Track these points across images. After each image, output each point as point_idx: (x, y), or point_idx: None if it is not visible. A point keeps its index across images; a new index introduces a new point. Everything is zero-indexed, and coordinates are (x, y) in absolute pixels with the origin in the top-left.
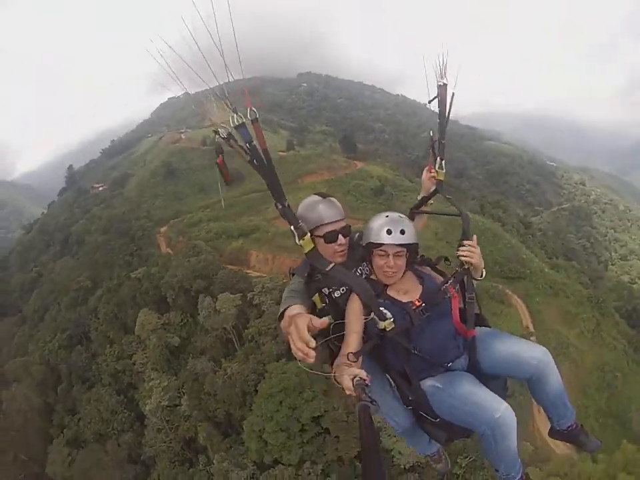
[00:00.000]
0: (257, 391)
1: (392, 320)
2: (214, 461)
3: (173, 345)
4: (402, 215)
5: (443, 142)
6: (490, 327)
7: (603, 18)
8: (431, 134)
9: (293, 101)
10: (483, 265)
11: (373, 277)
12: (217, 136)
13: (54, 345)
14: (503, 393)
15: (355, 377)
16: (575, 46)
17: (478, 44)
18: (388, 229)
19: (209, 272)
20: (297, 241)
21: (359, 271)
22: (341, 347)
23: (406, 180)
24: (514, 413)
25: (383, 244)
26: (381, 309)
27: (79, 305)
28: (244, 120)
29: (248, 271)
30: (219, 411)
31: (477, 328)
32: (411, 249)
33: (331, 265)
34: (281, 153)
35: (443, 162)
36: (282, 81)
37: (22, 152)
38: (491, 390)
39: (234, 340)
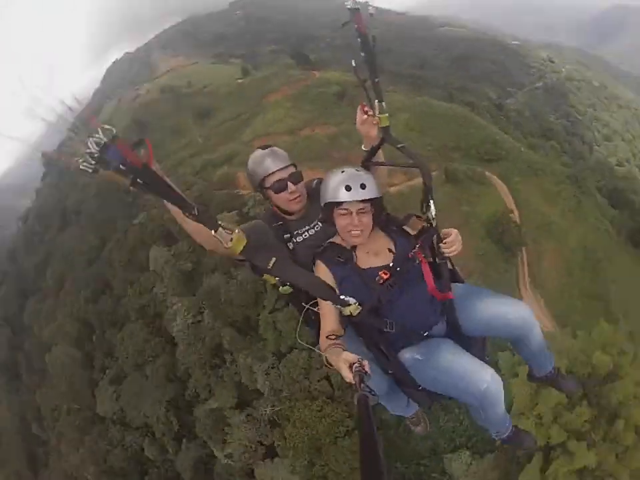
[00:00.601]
0: (266, 289)
1: (357, 304)
2: (240, 359)
3: (187, 270)
4: (359, 169)
5: (376, 80)
6: (463, 282)
7: None
8: (353, 64)
9: (234, 31)
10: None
11: (338, 240)
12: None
13: (80, 302)
14: (482, 354)
15: (353, 364)
16: None
17: None
18: (346, 185)
19: (204, 199)
20: (224, 244)
21: (317, 229)
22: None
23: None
24: (500, 379)
25: (344, 202)
26: (342, 296)
27: (94, 263)
28: (103, 140)
29: (240, 191)
30: (238, 315)
31: (453, 286)
32: (375, 203)
33: (273, 261)
34: (239, 81)
35: (383, 104)
36: (217, 14)
37: None
38: (472, 353)
39: None
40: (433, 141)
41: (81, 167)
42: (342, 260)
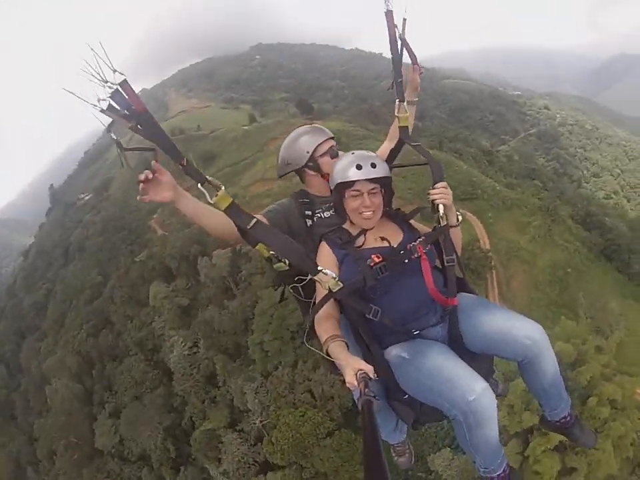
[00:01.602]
0: (254, 314)
1: (336, 279)
2: (231, 383)
3: (183, 305)
4: (369, 151)
5: (399, 81)
6: (474, 294)
7: None
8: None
9: (250, 75)
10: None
11: (347, 226)
12: (110, 130)
13: (82, 336)
14: (487, 375)
15: (358, 371)
16: None
17: None
18: (357, 164)
19: (202, 237)
20: (209, 199)
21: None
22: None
23: (361, 129)
24: (494, 397)
25: (355, 181)
26: (320, 268)
27: (96, 299)
28: (115, 86)
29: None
30: (229, 343)
31: (459, 295)
32: (385, 184)
33: (253, 221)
34: (244, 127)
35: (405, 104)
36: (236, 57)
37: None
38: (475, 368)
39: (231, 286)
40: (414, 185)
41: (93, 107)
42: (342, 242)
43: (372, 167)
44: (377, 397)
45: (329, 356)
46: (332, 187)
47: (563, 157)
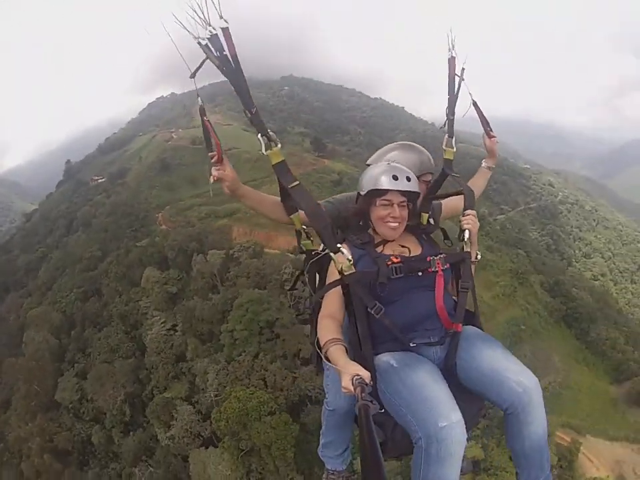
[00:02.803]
0: (232, 307)
1: (351, 263)
2: (197, 364)
3: (172, 292)
4: (402, 165)
5: (451, 118)
6: (480, 328)
7: (586, 31)
8: (471, 95)
9: (275, 104)
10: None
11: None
12: (199, 98)
13: (70, 298)
14: (473, 417)
15: (354, 377)
16: (558, 54)
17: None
18: (393, 174)
19: (201, 237)
20: (263, 150)
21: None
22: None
23: None
24: (465, 434)
25: (389, 190)
26: (339, 246)
27: (91, 271)
28: (216, 31)
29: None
30: (204, 329)
31: (465, 327)
32: (413, 200)
33: (296, 183)
34: (259, 152)
35: (453, 140)
36: (265, 83)
37: (5, 149)
38: (460, 407)
39: (218, 284)
40: None
41: (199, 41)
42: (362, 242)
43: (407, 180)
44: (373, 402)
45: (328, 359)
46: (362, 191)
47: (557, 233)
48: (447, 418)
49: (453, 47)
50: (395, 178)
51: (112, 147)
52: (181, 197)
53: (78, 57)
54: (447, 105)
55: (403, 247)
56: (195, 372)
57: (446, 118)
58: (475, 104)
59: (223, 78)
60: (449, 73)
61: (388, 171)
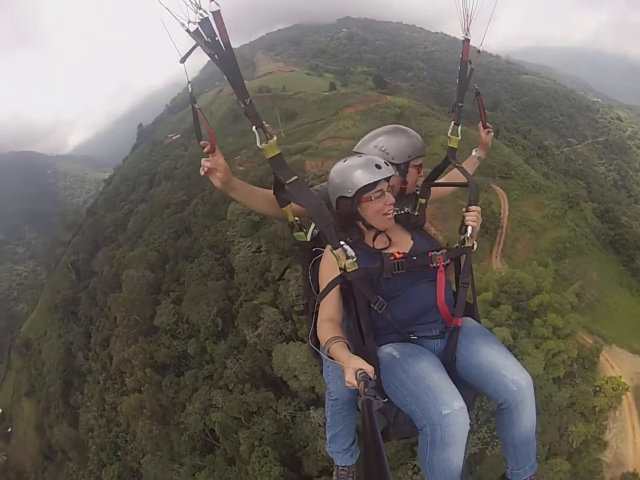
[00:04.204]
0: None
1: (355, 260)
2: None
3: (255, 221)
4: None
5: (460, 105)
6: (479, 322)
7: None
8: (476, 87)
9: (335, 46)
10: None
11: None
12: (190, 85)
13: (163, 238)
14: (469, 404)
15: (358, 370)
16: None
17: None
18: (376, 164)
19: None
20: (258, 143)
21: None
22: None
23: (425, 107)
24: (468, 420)
25: (378, 181)
26: (342, 243)
27: (179, 214)
28: (207, 14)
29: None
30: (285, 245)
31: (467, 319)
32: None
33: (294, 178)
34: (324, 93)
35: (459, 128)
36: (322, 27)
37: (73, 125)
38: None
39: None
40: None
41: (182, 26)
42: (352, 241)
43: (387, 165)
44: (377, 397)
45: (331, 357)
46: (349, 192)
47: (625, 169)
48: (450, 405)
49: (468, 29)
50: (378, 167)
51: (179, 107)
52: (254, 140)
53: (129, 24)
54: (457, 93)
55: (389, 238)
56: (279, 283)
57: (454, 105)
58: (478, 94)
59: (279, 26)
60: (462, 57)
61: (367, 163)
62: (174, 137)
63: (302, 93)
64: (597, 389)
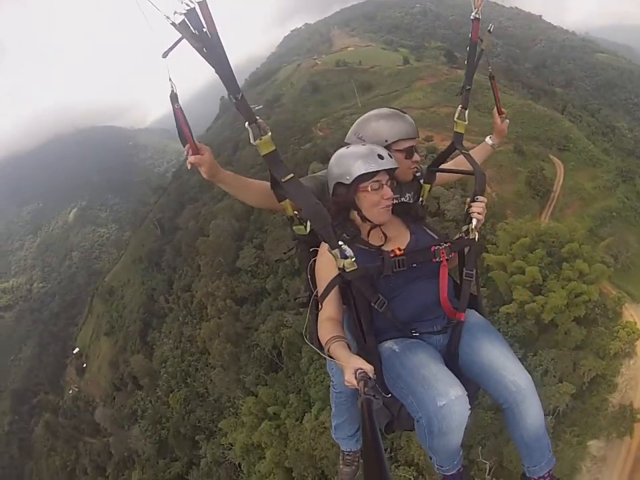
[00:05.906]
0: None
1: (353, 259)
2: None
3: None
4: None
5: (468, 89)
6: (483, 316)
7: None
8: (490, 70)
9: (409, 21)
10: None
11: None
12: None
13: None
14: (470, 397)
15: (357, 370)
16: None
17: None
18: (378, 153)
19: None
20: (252, 140)
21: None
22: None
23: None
24: (467, 407)
25: (378, 171)
26: (341, 243)
27: (264, 172)
28: (193, 4)
29: None
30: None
31: (470, 312)
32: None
33: (289, 176)
34: (398, 67)
35: (466, 112)
36: (396, 2)
37: (149, 106)
38: None
39: None
40: (520, 130)
41: (166, 19)
42: (349, 237)
43: (390, 157)
44: (376, 396)
45: (331, 357)
46: (347, 180)
47: None
48: (446, 395)
49: (479, 7)
50: (380, 157)
51: (259, 80)
52: (332, 110)
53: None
54: (465, 75)
55: (385, 234)
56: None
57: (461, 88)
58: (492, 78)
59: (353, 2)
60: (471, 37)
61: (370, 152)
62: (256, 108)
63: (377, 66)
64: (615, 335)
